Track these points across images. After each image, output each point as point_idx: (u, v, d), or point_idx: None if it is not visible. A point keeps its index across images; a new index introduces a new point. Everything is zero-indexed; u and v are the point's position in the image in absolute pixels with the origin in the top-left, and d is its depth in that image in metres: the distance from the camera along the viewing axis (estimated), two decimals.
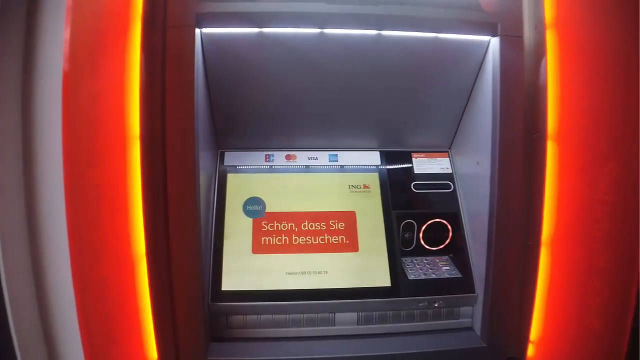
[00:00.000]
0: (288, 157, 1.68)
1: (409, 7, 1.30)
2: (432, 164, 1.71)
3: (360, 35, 1.34)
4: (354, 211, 1.59)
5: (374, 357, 1.39)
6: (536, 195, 1.35)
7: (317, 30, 1.32)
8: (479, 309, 1.49)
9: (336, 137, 1.69)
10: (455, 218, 1.62)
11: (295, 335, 1.45)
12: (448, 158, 1.73)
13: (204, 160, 1.40)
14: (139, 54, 1.12)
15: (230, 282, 1.44)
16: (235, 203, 1.56)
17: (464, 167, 1.65)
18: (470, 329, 1.53)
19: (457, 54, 1.42)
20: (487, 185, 1.40)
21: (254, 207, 1.57)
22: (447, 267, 1.56)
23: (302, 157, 1.68)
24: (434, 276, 1.52)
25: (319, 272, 1.48)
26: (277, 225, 1.54)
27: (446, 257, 1.61)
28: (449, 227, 1.61)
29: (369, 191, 1.64)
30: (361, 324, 1.48)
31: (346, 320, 1.47)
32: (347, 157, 1.70)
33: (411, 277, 1.50)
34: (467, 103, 1.57)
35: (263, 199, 1.58)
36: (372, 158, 1.71)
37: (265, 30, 1.31)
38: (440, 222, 1.61)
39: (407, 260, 1.57)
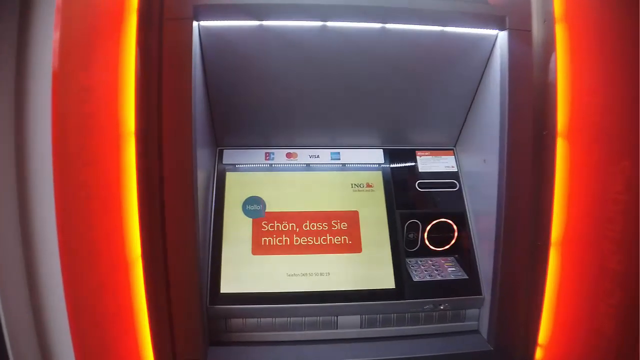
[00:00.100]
0: (289, 155, 1.66)
1: None
2: (437, 162, 1.69)
3: (364, 29, 1.32)
4: (357, 211, 1.57)
5: None
6: (545, 195, 1.32)
7: (319, 23, 1.29)
8: (485, 311, 1.47)
9: (338, 134, 1.67)
10: (461, 218, 1.60)
11: (297, 339, 1.43)
12: (453, 156, 1.71)
13: (202, 158, 1.38)
14: (134, 48, 1.10)
15: (229, 284, 1.41)
16: (235, 202, 1.54)
17: (470, 166, 1.63)
18: (476, 332, 1.51)
19: (463, 49, 1.40)
20: (495, 184, 1.38)
21: (253, 206, 1.55)
22: (453, 269, 1.54)
23: (303, 155, 1.66)
24: (439, 278, 1.50)
25: (321, 274, 1.46)
26: (278, 226, 1.52)
27: (452, 258, 1.60)
28: (455, 227, 1.59)
29: (372, 190, 1.62)
30: (364, 327, 1.46)
31: (349, 323, 1.45)
32: (350, 155, 1.68)
33: (416, 278, 1.49)
34: (473, 99, 1.54)
35: (263, 199, 1.56)
36: (375, 156, 1.69)
37: (266, 23, 1.28)
38: (445, 222, 1.59)
39: (411, 261, 1.56)
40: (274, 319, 1.41)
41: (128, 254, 1.10)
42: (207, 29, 1.29)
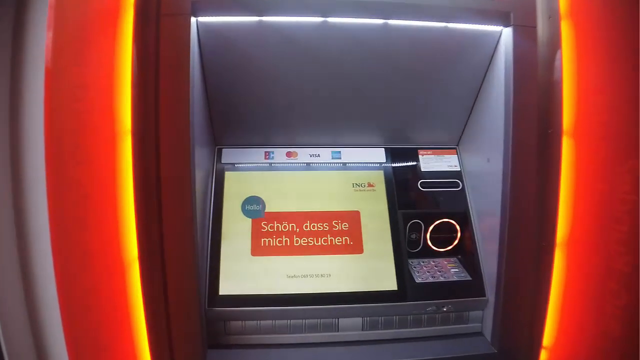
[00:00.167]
0: (289, 154, 1.65)
1: None
2: (440, 161, 1.68)
3: (366, 25, 1.30)
4: (358, 211, 1.56)
5: None
6: (551, 194, 1.29)
7: (320, 19, 1.28)
8: (489, 313, 1.46)
9: (339, 133, 1.65)
10: (464, 218, 1.58)
11: (297, 341, 1.42)
12: (456, 155, 1.70)
13: (200, 158, 1.37)
14: (131, 44, 1.09)
15: (228, 286, 1.40)
16: (233, 203, 1.53)
17: (473, 165, 1.62)
18: (480, 334, 1.50)
19: (467, 45, 1.39)
20: (499, 183, 1.37)
21: (253, 206, 1.53)
22: (456, 270, 1.54)
23: (304, 154, 1.65)
24: (442, 279, 1.49)
25: (322, 275, 1.44)
26: (278, 226, 1.51)
27: (455, 259, 1.59)
28: (458, 227, 1.58)
29: (373, 190, 1.60)
30: (366, 330, 1.45)
31: (350, 325, 1.44)
32: (351, 154, 1.67)
33: (418, 280, 1.48)
34: (476, 97, 1.53)
35: (262, 199, 1.55)
36: (377, 155, 1.68)
37: (265, 18, 1.27)
38: (448, 222, 1.58)
39: (414, 262, 1.55)
40: (273, 321, 1.40)
41: (124, 255, 1.08)
42: (205, 25, 1.27)
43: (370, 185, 1.61)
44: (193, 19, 1.22)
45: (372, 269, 1.47)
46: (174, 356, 1.24)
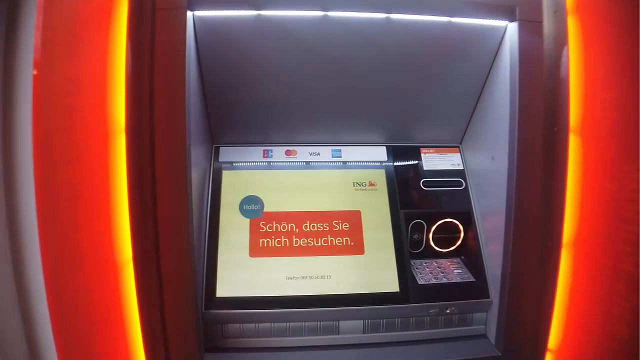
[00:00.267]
0: (288, 153, 1.63)
1: None
2: (443, 160, 1.67)
3: (367, 19, 1.29)
4: (359, 210, 1.55)
5: None
6: (557, 193, 1.28)
7: (320, 13, 1.26)
8: (493, 315, 1.45)
9: (339, 131, 1.64)
10: (467, 218, 1.57)
11: (296, 345, 1.40)
12: (459, 153, 1.69)
13: (197, 156, 1.35)
14: (125, 38, 1.07)
15: (225, 287, 1.38)
16: (231, 202, 1.52)
17: (476, 163, 1.60)
18: (484, 336, 1.48)
19: (471, 41, 1.37)
20: (504, 182, 1.35)
21: (251, 206, 1.52)
22: (459, 271, 1.52)
23: (303, 153, 1.64)
24: (445, 280, 1.48)
25: (322, 277, 1.43)
26: (276, 226, 1.50)
27: (458, 260, 1.58)
28: (461, 227, 1.57)
29: (375, 189, 1.59)
30: (367, 333, 1.43)
31: (351, 328, 1.42)
32: (352, 153, 1.66)
33: (421, 281, 1.46)
34: (480, 94, 1.52)
35: (261, 198, 1.53)
36: (378, 153, 1.67)
37: (264, 12, 1.25)
38: (451, 222, 1.57)
39: (416, 263, 1.54)
40: (272, 324, 1.39)
41: (118, 256, 1.08)
42: (202, 19, 1.25)
43: (371, 184, 1.59)
44: (189, 13, 1.20)
45: (373, 270, 1.45)
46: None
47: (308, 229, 1.50)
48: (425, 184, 1.61)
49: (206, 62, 1.36)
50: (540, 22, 1.28)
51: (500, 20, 1.32)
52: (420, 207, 1.58)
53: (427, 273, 1.49)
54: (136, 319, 1.12)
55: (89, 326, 0.97)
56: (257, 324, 1.38)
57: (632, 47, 1.13)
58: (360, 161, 1.64)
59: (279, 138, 1.64)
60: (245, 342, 1.39)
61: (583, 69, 1.23)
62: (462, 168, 1.65)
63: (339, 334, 1.41)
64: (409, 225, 1.54)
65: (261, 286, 1.39)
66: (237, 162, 1.59)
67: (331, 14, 1.26)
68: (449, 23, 1.31)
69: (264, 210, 1.51)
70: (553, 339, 1.32)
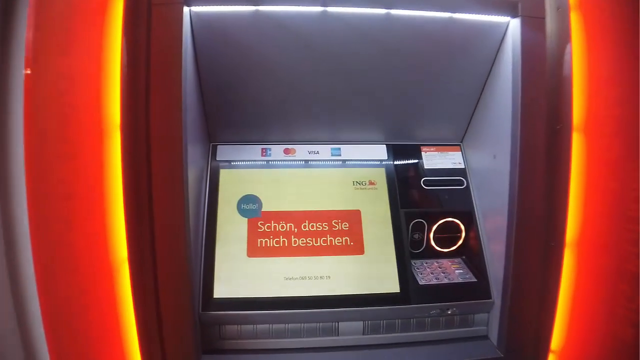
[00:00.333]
0: (286, 151, 1.62)
1: None
2: (444, 159, 1.66)
3: (367, 15, 1.28)
4: (359, 210, 1.54)
5: None
6: (560, 192, 1.28)
7: (319, 9, 1.25)
8: (495, 316, 1.44)
9: (339, 129, 1.63)
10: (468, 217, 1.57)
11: (295, 346, 1.39)
12: (460, 152, 1.68)
13: (194, 154, 1.34)
14: (121, 34, 1.07)
15: (223, 288, 1.38)
16: (229, 201, 1.51)
17: (478, 162, 1.60)
18: (485, 337, 1.48)
19: (473, 37, 1.36)
20: (506, 181, 1.35)
21: (249, 206, 1.51)
22: (461, 271, 1.52)
23: (302, 151, 1.63)
24: (446, 281, 1.47)
25: (321, 277, 1.42)
26: (275, 226, 1.49)
27: (459, 260, 1.57)
28: (462, 227, 1.56)
29: (375, 188, 1.58)
30: (367, 334, 1.42)
31: (351, 329, 1.41)
32: (351, 151, 1.65)
33: (422, 282, 1.46)
34: (482, 91, 1.51)
35: (259, 197, 1.52)
36: (378, 152, 1.66)
37: (262, 8, 1.23)
38: (452, 221, 1.56)
39: (417, 263, 1.53)
40: (270, 325, 1.38)
41: (113, 257, 1.07)
42: (198, 15, 1.24)
43: (371, 183, 1.59)
44: (186, 9, 1.19)
45: (373, 270, 1.44)
46: None
47: (307, 228, 1.49)
48: (426, 182, 1.60)
49: (203, 59, 1.35)
50: (542, 19, 1.28)
51: (502, 16, 1.31)
52: (421, 207, 1.57)
53: (428, 273, 1.49)
54: (132, 320, 1.12)
55: (83, 328, 0.95)
56: (255, 326, 1.37)
57: (636, 44, 1.13)
58: (360, 160, 1.63)
59: (278, 136, 1.63)
60: (243, 344, 1.38)
61: (586, 66, 1.23)
62: (464, 166, 1.64)
63: (338, 335, 1.40)
64: (409, 225, 1.53)
65: (259, 287, 1.38)
66: (234, 161, 1.58)
67: (330, 9, 1.25)
68: (450, 19, 1.30)
69: (262, 210, 1.50)
70: (556, 340, 1.32)
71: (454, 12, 1.29)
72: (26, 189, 0.80)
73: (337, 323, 1.40)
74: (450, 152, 1.67)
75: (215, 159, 1.57)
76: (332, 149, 1.64)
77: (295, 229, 1.48)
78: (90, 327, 0.99)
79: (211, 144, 1.60)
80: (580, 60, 1.23)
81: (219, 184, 1.53)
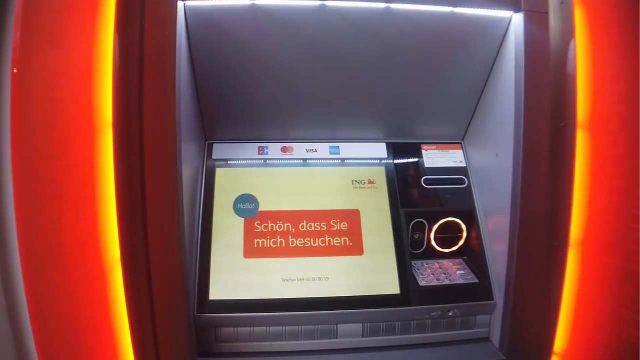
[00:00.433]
0: (284, 150, 1.61)
1: None
2: (444, 157, 1.65)
3: (366, 9, 1.26)
4: (358, 209, 1.52)
5: None
6: (564, 191, 1.26)
7: (317, 3, 1.24)
8: (497, 317, 1.43)
9: (338, 126, 1.62)
10: (470, 216, 1.55)
11: (293, 349, 1.38)
12: (461, 150, 1.67)
13: (189, 153, 1.33)
14: (113, 29, 1.03)
15: (218, 290, 1.36)
16: (225, 201, 1.49)
17: (479, 160, 1.59)
18: (487, 339, 1.47)
19: (474, 32, 1.35)
20: (508, 179, 1.33)
21: (245, 205, 1.49)
22: (462, 272, 1.50)
23: (300, 150, 1.62)
24: (447, 282, 1.46)
25: (319, 279, 1.41)
26: (272, 226, 1.47)
27: (460, 260, 1.56)
28: (464, 226, 1.55)
29: (374, 187, 1.57)
30: (366, 336, 1.41)
31: (350, 332, 1.40)
32: (350, 149, 1.64)
33: (422, 283, 1.44)
34: (484, 88, 1.50)
35: (256, 197, 1.51)
36: (378, 150, 1.65)
37: (258, 2, 1.23)
38: (453, 221, 1.55)
39: (417, 263, 1.52)
40: (267, 327, 1.37)
41: (105, 258, 1.03)
42: (193, 9, 1.23)
43: (370, 182, 1.57)
44: (180, 3, 1.18)
45: (372, 271, 1.43)
46: None
47: (305, 228, 1.47)
48: (427, 181, 1.59)
49: (198, 54, 1.33)
50: (546, 13, 1.26)
51: (504, 11, 1.30)
52: (421, 206, 1.56)
53: (428, 274, 1.47)
54: (125, 323, 1.09)
55: (74, 332, 0.94)
56: (251, 328, 1.36)
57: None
58: (359, 158, 1.62)
59: (275, 134, 1.61)
60: (239, 347, 1.37)
61: (590, 62, 1.21)
62: (465, 165, 1.63)
63: (337, 337, 1.39)
64: (409, 225, 1.52)
65: (256, 288, 1.37)
66: (231, 159, 1.57)
67: (329, 3, 1.24)
68: (452, 13, 1.29)
69: (259, 210, 1.49)
70: (559, 342, 1.30)
71: (456, 6, 1.28)
72: (13, 188, 0.78)
73: (335, 325, 1.39)
74: (451, 150, 1.66)
75: (211, 158, 1.56)
76: (330, 147, 1.63)
77: (293, 229, 1.47)
78: (82, 330, 0.97)
79: (207, 142, 1.59)
80: (584, 55, 1.21)
81: (214, 183, 1.51)
